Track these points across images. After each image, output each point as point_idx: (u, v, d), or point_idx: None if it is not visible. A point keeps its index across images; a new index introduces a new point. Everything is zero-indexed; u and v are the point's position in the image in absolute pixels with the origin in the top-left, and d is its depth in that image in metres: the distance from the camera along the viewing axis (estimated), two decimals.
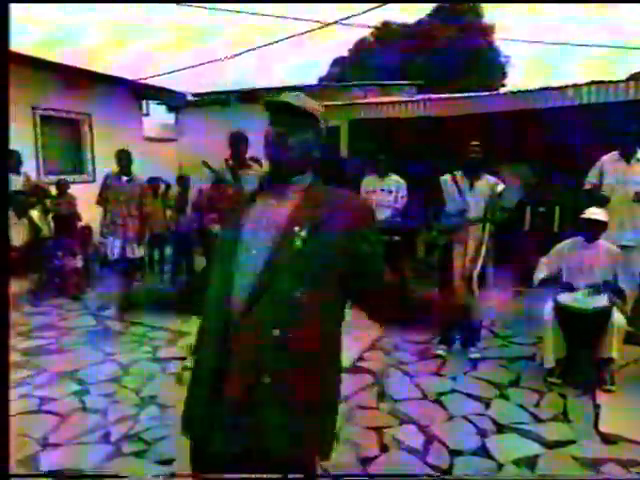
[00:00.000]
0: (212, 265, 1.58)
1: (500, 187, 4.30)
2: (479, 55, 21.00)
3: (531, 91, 5.65)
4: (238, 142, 4.39)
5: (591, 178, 4.96)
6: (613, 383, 3.70)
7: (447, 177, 4.42)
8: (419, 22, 21.89)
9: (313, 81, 17.55)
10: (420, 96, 7.45)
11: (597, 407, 3.45)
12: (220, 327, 1.46)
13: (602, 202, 4.58)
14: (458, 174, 4.36)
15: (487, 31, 21.88)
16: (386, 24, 22.17)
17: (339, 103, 7.19)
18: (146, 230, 6.24)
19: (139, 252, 6.19)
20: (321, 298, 1.47)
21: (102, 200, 5.95)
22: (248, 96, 9.12)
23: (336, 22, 8.19)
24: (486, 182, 4.30)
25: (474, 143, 4.31)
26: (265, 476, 1.44)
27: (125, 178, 5.90)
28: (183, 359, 4.15)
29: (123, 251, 5.94)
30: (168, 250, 7.44)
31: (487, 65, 21.36)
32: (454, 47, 19.84)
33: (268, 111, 1.53)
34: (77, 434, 3.15)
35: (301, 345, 1.44)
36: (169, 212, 7.33)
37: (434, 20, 21.38)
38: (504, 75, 23.05)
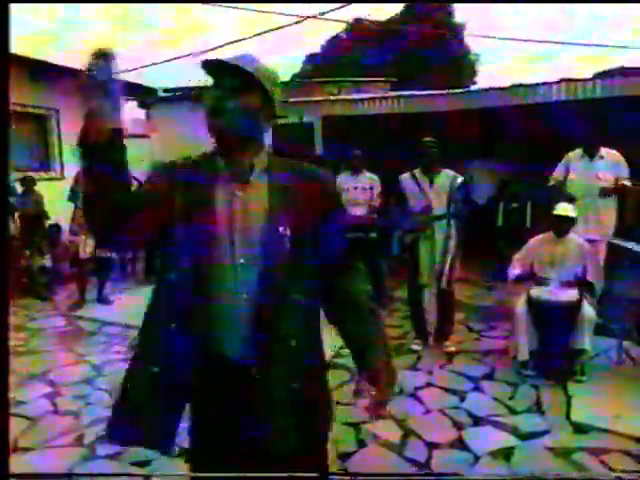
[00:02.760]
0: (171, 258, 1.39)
1: (460, 179, 4.35)
2: (449, 53, 21.22)
3: (503, 88, 5.72)
4: None
5: (556, 174, 5.08)
6: (583, 374, 3.79)
7: (406, 175, 4.47)
8: (391, 20, 22.00)
9: (286, 77, 17.47)
10: (393, 93, 7.47)
11: (569, 397, 3.53)
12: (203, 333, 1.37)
13: (568, 198, 4.69)
14: (417, 171, 4.40)
15: (457, 29, 22.12)
16: (358, 21, 22.22)
17: (314, 99, 7.17)
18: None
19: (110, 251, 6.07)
20: (314, 293, 1.44)
21: (74, 196, 5.81)
22: None
23: (314, 17, 8.14)
24: (445, 176, 4.35)
25: (428, 139, 4.36)
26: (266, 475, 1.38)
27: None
28: None
29: (94, 250, 5.81)
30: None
31: (457, 63, 21.60)
32: (425, 45, 20.01)
33: (208, 75, 1.39)
34: (49, 437, 3.08)
35: (308, 350, 1.43)
36: None
37: (406, 18, 21.50)
38: (474, 73, 23.37)
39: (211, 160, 1.40)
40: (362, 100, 6.68)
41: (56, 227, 6.73)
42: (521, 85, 5.59)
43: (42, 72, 7.39)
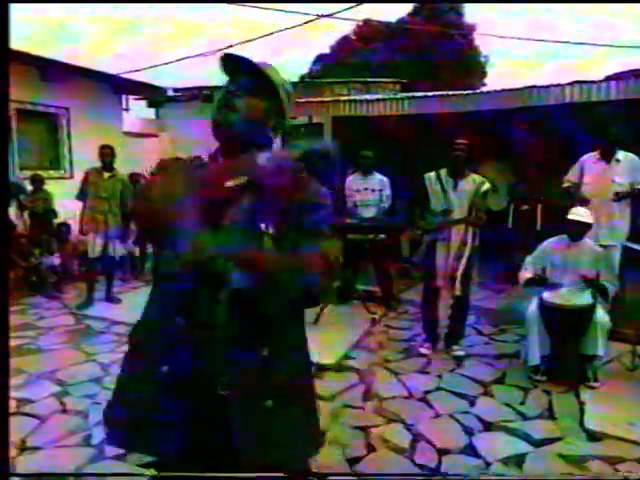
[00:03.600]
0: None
1: (486, 186, 4.29)
2: (459, 54, 21.13)
3: (516, 90, 5.66)
4: None
5: (571, 177, 5.01)
6: (596, 380, 3.74)
7: (431, 175, 4.40)
8: (400, 20, 21.93)
9: (295, 78, 17.48)
10: (404, 94, 7.43)
11: (582, 404, 3.47)
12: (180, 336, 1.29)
13: (582, 202, 4.63)
14: (442, 172, 4.34)
15: (468, 30, 22.03)
16: (367, 22, 22.19)
17: (325, 99, 7.15)
18: (129, 227, 6.11)
19: (121, 250, 6.07)
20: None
21: (82, 195, 5.81)
22: None
23: (324, 16, 8.13)
24: (471, 181, 4.28)
25: (459, 141, 4.29)
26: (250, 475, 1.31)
27: (107, 174, 5.76)
28: None
29: (104, 249, 5.81)
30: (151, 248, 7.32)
31: (467, 64, 21.50)
32: (434, 46, 19.94)
33: (223, 71, 1.35)
34: (57, 437, 3.06)
35: (285, 360, 1.33)
36: None
37: (415, 19, 21.44)
38: (484, 74, 23.25)
39: (214, 157, 1.39)
40: (372, 101, 6.64)
41: (65, 226, 6.74)
42: (533, 87, 5.52)
43: (53, 71, 7.41)
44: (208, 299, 1.27)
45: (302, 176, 1.39)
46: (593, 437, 3.08)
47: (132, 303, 5.70)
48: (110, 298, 5.89)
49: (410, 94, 6.88)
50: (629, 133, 4.84)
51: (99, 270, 5.93)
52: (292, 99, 1.39)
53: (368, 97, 6.95)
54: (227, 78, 1.36)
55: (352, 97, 7.14)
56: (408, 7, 21.51)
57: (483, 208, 4.30)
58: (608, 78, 5.79)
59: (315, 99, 7.15)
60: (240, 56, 1.30)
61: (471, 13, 24.87)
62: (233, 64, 1.32)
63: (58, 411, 3.40)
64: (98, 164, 5.80)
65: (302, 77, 21.16)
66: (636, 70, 6.27)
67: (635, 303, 4.30)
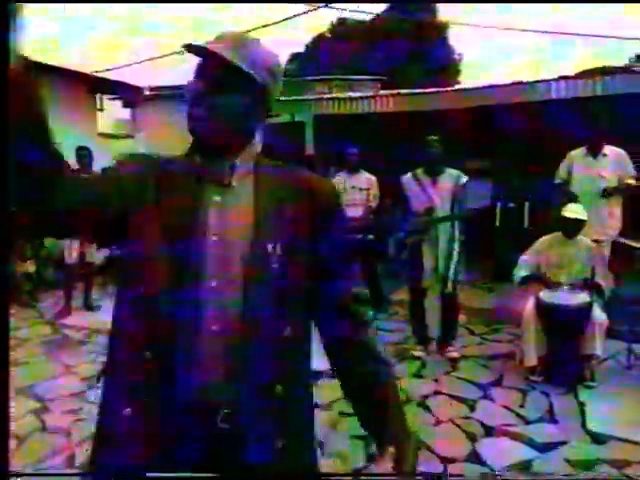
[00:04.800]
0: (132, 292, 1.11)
1: (464, 179, 4.22)
2: (433, 52, 21.21)
3: (501, 86, 5.63)
4: None
5: (561, 173, 4.98)
6: (594, 379, 3.69)
7: (408, 175, 4.33)
8: (374, 19, 21.92)
9: None
10: (387, 91, 7.34)
11: (582, 405, 3.42)
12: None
13: (572, 198, 4.59)
14: (419, 172, 4.26)
15: (441, 29, 22.12)
16: (342, 20, 22.16)
17: (306, 97, 7.02)
18: None
19: (99, 255, 5.84)
20: (306, 325, 1.18)
21: None
22: None
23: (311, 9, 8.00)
24: (449, 176, 4.21)
25: (432, 137, 4.23)
26: None
27: (85, 176, 5.52)
28: None
29: (81, 255, 5.58)
30: None
31: (441, 62, 21.60)
32: (408, 44, 20.00)
33: (196, 56, 1.13)
34: (38, 458, 2.87)
35: (297, 398, 1.16)
36: None
37: (389, 17, 21.44)
38: (458, 72, 23.37)
39: (189, 158, 1.17)
40: (356, 99, 6.54)
41: None
42: (520, 83, 5.49)
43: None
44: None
45: (336, 197, 1.23)
46: (597, 440, 3.02)
47: (112, 311, 5.50)
48: (89, 306, 5.66)
49: (393, 91, 6.78)
50: (616, 128, 4.82)
51: (77, 277, 5.70)
52: (275, 68, 1.14)
53: (351, 95, 6.84)
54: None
55: (335, 95, 7.01)
56: (383, 6, 21.49)
57: (466, 202, 4.22)
58: (589, 73, 5.79)
59: (298, 97, 7.02)
60: (203, 47, 1.07)
61: (444, 12, 24.98)
62: (199, 55, 1.12)
63: (38, 429, 3.22)
64: (75, 167, 5.56)
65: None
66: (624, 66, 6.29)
67: (628, 299, 4.27)
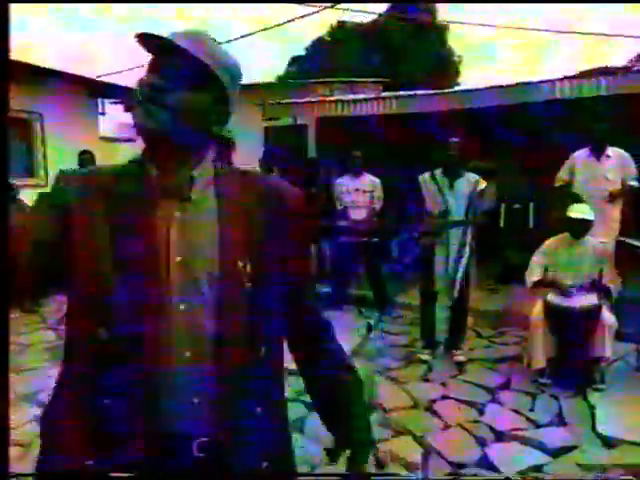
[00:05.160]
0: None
1: (482, 185, 4.19)
2: (432, 54, 21.22)
3: (505, 87, 5.59)
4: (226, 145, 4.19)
5: (563, 174, 4.96)
6: (603, 382, 3.65)
7: (426, 176, 4.28)
8: (374, 22, 21.92)
9: (272, 79, 17.28)
10: (389, 93, 7.32)
11: (591, 408, 3.38)
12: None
13: (576, 199, 4.56)
14: (437, 173, 4.23)
15: (441, 31, 22.12)
16: (341, 23, 22.19)
17: (311, 100, 6.99)
18: None
19: None
20: (280, 342, 1.14)
21: None
22: None
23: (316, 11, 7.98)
24: (466, 180, 4.18)
25: (452, 140, 4.19)
26: None
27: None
28: None
29: None
30: None
31: (440, 64, 21.59)
32: (408, 46, 20.02)
33: (147, 53, 1.02)
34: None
35: (276, 417, 1.12)
36: None
37: (388, 20, 21.45)
38: (457, 74, 23.37)
39: (140, 169, 1.04)
40: (360, 101, 6.51)
41: None
42: (522, 83, 5.46)
43: (26, 75, 7.10)
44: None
45: (302, 203, 1.16)
46: (608, 443, 2.98)
47: None
48: None
49: (396, 93, 6.76)
50: (619, 129, 4.80)
51: None
52: (235, 70, 1.06)
53: (355, 97, 6.81)
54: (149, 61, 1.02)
55: (338, 97, 6.98)
56: (382, 8, 21.50)
57: (481, 208, 4.20)
58: (597, 73, 5.76)
59: (301, 100, 6.99)
60: (158, 36, 0.97)
61: (443, 13, 25.00)
62: (154, 46, 1.00)
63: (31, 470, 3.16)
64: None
65: (278, 79, 20.98)
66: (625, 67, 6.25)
67: (633, 300, 4.23)
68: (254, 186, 1.10)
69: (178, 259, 0.99)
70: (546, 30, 25.34)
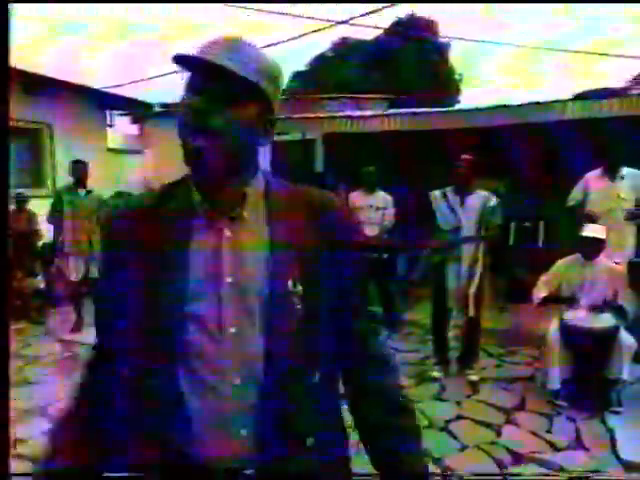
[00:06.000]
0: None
1: (493, 201, 4.19)
2: (434, 72, 21.39)
3: (516, 106, 5.61)
4: None
5: (576, 195, 4.93)
6: (620, 404, 3.61)
7: (437, 193, 4.29)
8: (376, 38, 22.12)
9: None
10: (397, 110, 7.34)
11: (611, 431, 3.33)
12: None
13: (591, 218, 4.56)
14: (449, 190, 4.23)
15: (443, 48, 22.34)
16: (344, 40, 22.36)
17: (320, 115, 7.01)
18: None
19: None
20: (335, 371, 1.08)
21: (56, 217, 5.46)
22: None
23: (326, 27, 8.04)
24: (478, 197, 4.18)
25: (464, 157, 4.19)
26: None
27: (83, 191, 5.49)
28: None
29: (87, 271, 5.51)
30: None
31: (442, 82, 21.75)
32: (410, 63, 20.19)
33: (186, 70, 0.95)
34: None
35: (330, 450, 1.06)
36: None
37: (392, 37, 21.64)
38: (458, 92, 23.55)
39: (187, 190, 1.00)
40: (369, 117, 6.53)
41: (50, 247, 6.41)
42: (535, 103, 5.47)
43: (36, 85, 7.13)
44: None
45: (353, 220, 1.14)
46: (631, 467, 2.93)
47: None
48: None
49: (408, 110, 6.77)
50: (632, 149, 4.80)
51: (84, 292, 5.63)
52: (279, 78, 1.00)
53: (364, 113, 6.84)
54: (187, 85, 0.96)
55: (348, 113, 7.00)
56: (386, 23, 21.71)
57: (492, 224, 4.19)
58: (611, 93, 5.77)
59: (310, 115, 7.01)
60: (194, 57, 0.91)
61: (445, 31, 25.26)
62: (190, 67, 0.94)
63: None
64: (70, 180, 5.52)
65: (282, 93, 21.10)
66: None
67: None
68: (305, 201, 1.04)
69: (230, 280, 0.95)
70: (551, 49, 25.50)
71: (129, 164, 9.30)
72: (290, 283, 0.96)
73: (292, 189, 1.07)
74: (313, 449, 1.00)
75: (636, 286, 4.38)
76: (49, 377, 4.25)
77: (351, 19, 9.56)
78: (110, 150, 8.90)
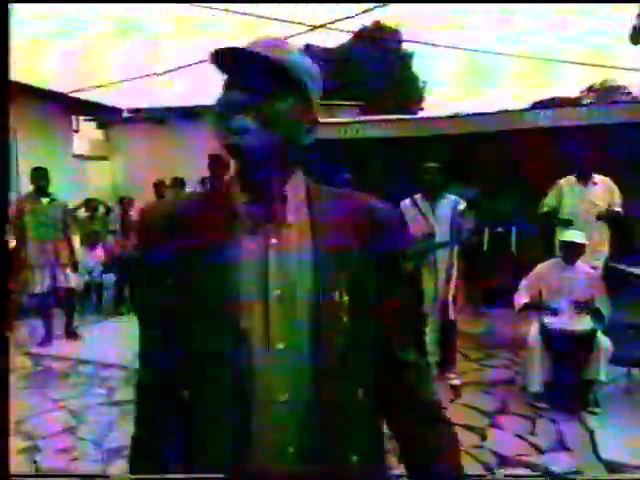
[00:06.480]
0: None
1: (462, 205, 4.25)
2: (398, 79, 21.71)
3: (488, 114, 5.74)
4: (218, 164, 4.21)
5: (549, 201, 5.06)
6: (598, 405, 3.70)
7: (407, 202, 4.32)
8: (340, 46, 22.29)
9: None
10: (364, 117, 7.41)
11: (591, 432, 3.41)
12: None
13: (566, 224, 4.69)
14: (418, 197, 4.27)
15: (406, 57, 22.71)
16: (309, 46, 22.47)
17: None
18: (76, 255, 5.64)
19: (73, 280, 5.58)
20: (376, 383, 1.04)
21: (18, 228, 5.24)
22: (185, 114, 8.70)
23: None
24: (447, 202, 4.24)
25: (430, 165, 4.24)
26: None
27: (45, 199, 5.32)
28: None
29: (53, 280, 5.33)
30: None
31: (405, 90, 22.08)
32: (375, 71, 20.44)
33: (219, 67, 0.92)
34: None
35: (374, 467, 1.03)
36: (110, 236, 6.76)
37: (356, 44, 21.84)
38: (421, 99, 23.95)
39: (226, 197, 0.96)
40: (343, 123, 6.56)
41: (13, 258, 6.17)
42: (507, 111, 5.61)
43: None
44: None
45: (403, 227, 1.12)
46: (613, 468, 3.00)
47: (95, 339, 5.29)
48: (70, 334, 5.40)
49: (383, 117, 6.83)
50: (602, 156, 4.97)
51: (53, 304, 5.45)
52: (315, 72, 0.96)
53: (342, 119, 6.86)
54: (225, 81, 0.93)
55: (325, 120, 7.00)
56: (355, 27, 21.89)
57: (464, 228, 4.25)
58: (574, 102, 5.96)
59: None
60: (238, 48, 0.88)
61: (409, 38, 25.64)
62: (232, 60, 0.90)
63: (30, 470, 2.98)
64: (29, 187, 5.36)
65: None
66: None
67: (624, 324, 4.32)
68: (350, 207, 1.00)
69: (277, 292, 0.91)
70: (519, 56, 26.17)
71: (96, 170, 9.07)
72: (336, 295, 0.91)
73: (336, 193, 1.03)
74: (357, 466, 0.97)
75: (613, 289, 4.53)
76: (20, 392, 4.07)
77: (321, 26, 9.65)
78: (76, 156, 8.67)
